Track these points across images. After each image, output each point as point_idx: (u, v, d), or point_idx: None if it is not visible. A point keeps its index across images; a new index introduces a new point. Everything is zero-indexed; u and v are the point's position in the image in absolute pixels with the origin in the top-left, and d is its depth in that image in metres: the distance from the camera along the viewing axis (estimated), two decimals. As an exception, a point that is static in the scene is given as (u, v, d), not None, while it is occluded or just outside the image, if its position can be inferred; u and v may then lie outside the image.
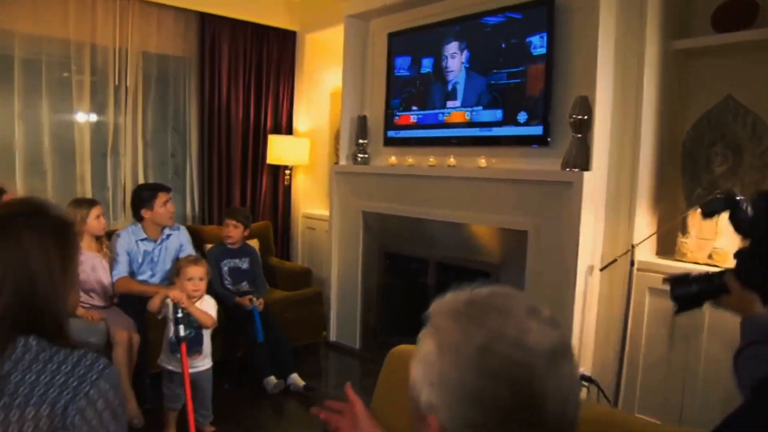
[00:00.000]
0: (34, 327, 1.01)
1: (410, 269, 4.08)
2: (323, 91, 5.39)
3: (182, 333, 2.46)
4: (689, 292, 1.33)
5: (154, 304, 2.80)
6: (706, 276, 1.32)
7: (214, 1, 4.74)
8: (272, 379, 3.52)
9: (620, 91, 3.01)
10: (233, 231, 3.90)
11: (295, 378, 3.57)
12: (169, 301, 2.65)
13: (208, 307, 2.91)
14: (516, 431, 0.70)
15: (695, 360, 2.75)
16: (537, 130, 3.28)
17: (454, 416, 0.73)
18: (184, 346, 2.48)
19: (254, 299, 3.64)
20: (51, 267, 1.03)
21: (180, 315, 2.47)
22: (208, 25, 4.78)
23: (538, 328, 0.73)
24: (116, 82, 4.44)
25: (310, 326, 4.28)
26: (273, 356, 3.62)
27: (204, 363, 2.89)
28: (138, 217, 3.59)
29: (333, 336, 4.53)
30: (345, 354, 4.36)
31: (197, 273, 2.86)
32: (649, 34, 2.90)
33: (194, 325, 2.59)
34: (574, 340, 2.99)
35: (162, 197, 3.55)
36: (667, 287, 1.37)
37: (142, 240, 3.57)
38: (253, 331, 3.55)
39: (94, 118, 4.43)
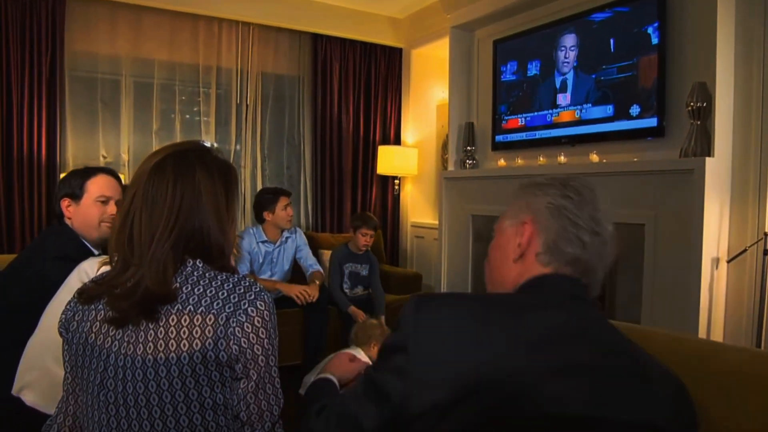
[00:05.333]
0: (201, 252, 1.12)
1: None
2: (429, 103, 5.51)
3: None
4: None
5: None
6: None
7: (326, 22, 5.03)
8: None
9: (743, 73, 2.86)
10: (370, 240, 4.02)
11: None
12: None
13: None
14: (570, 235, 1.01)
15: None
16: (651, 122, 3.18)
17: (537, 216, 1.05)
18: None
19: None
20: (217, 200, 1.13)
21: None
22: (321, 45, 5.07)
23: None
24: (238, 101, 4.81)
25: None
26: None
27: None
28: (260, 219, 3.82)
29: (442, 342, 4.53)
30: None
31: None
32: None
33: None
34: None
35: (283, 201, 3.76)
36: None
37: (263, 242, 3.79)
38: None
39: (218, 134, 4.80)
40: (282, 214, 3.76)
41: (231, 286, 1.08)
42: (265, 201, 3.78)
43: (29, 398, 1.49)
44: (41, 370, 1.49)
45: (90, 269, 1.54)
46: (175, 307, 1.05)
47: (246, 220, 4.74)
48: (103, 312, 1.08)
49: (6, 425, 1.52)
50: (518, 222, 1.07)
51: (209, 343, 1.02)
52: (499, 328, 0.87)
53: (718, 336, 2.89)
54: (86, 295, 1.11)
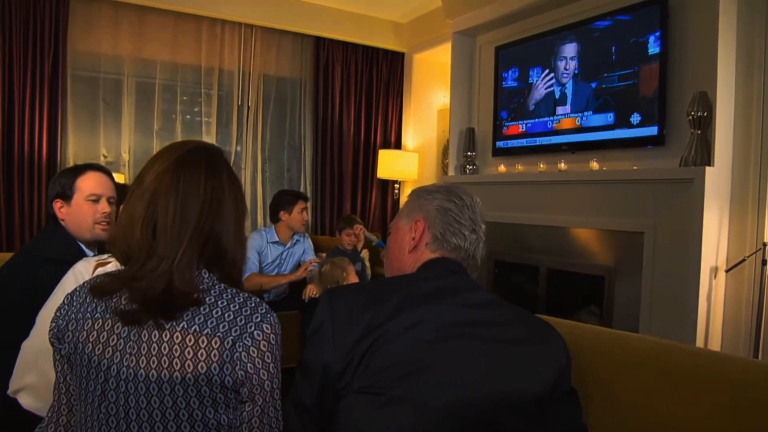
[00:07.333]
0: (216, 259, 1.07)
1: (520, 277, 4.04)
2: (430, 108, 5.52)
3: None
4: None
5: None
6: None
7: (328, 26, 5.04)
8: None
9: (743, 83, 2.88)
10: (354, 239, 4.06)
11: None
12: None
13: None
14: (454, 229, 1.26)
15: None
16: (651, 130, 3.19)
17: (428, 216, 1.29)
18: None
19: None
20: (237, 206, 1.10)
21: None
22: (323, 48, 5.09)
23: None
24: (239, 102, 4.81)
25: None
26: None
27: None
28: (275, 219, 3.86)
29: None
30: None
31: None
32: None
33: None
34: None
35: (301, 204, 3.83)
36: None
37: (273, 243, 3.82)
38: None
39: (219, 135, 4.81)
40: (297, 216, 3.83)
41: (237, 307, 1.03)
42: (283, 201, 3.83)
43: (26, 401, 1.47)
44: (37, 373, 1.47)
45: (86, 270, 1.51)
46: (180, 325, 1.00)
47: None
48: (101, 320, 1.03)
49: (5, 425, 1.51)
50: (412, 220, 1.30)
51: (215, 368, 0.99)
52: (382, 299, 1.12)
53: (715, 345, 2.89)
54: (101, 289, 1.05)
